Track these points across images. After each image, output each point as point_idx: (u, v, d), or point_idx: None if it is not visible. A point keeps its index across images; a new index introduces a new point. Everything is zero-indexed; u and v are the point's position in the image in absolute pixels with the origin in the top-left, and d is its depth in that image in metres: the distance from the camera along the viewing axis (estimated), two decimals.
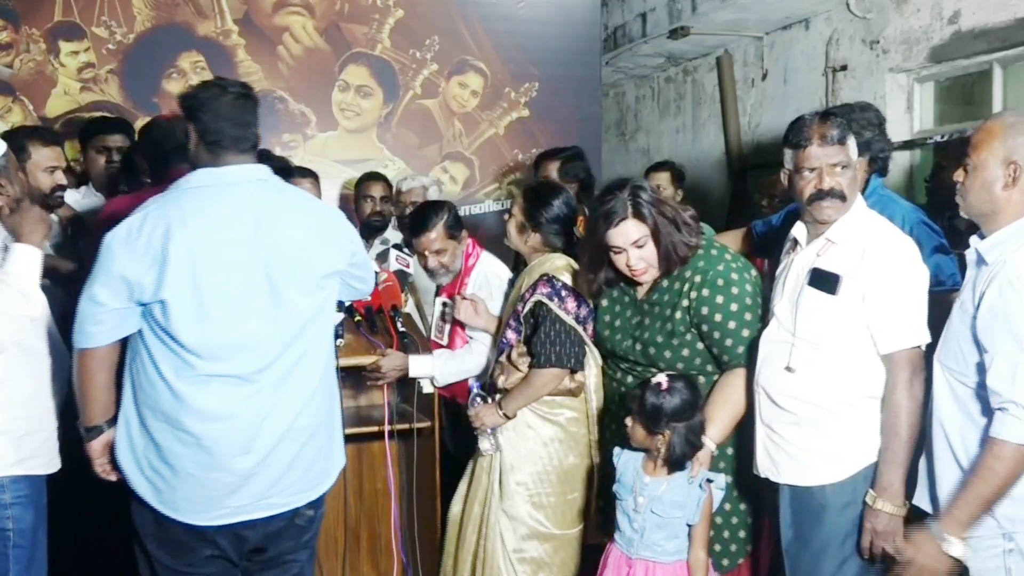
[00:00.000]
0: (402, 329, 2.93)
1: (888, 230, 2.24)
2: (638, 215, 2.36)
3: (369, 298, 2.87)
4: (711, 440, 2.34)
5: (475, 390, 2.86)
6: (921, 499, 2.13)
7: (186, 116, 2.20)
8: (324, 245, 2.24)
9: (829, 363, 2.18)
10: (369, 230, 4.03)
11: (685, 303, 2.38)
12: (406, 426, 2.96)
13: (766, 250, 2.79)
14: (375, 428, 2.97)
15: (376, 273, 3.01)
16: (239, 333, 2.11)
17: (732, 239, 2.91)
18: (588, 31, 5.11)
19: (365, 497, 3.21)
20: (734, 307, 2.35)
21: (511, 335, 2.79)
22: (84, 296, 2.11)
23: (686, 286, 2.39)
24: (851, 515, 2.17)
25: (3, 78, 4.26)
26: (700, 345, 2.40)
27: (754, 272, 2.46)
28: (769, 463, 2.28)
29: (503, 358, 2.80)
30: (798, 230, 2.30)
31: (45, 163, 2.80)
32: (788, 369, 2.21)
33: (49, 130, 3.50)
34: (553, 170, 3.79)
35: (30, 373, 2.34)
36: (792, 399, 2.22)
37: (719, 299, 2.35)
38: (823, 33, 5.00)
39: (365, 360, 2.91)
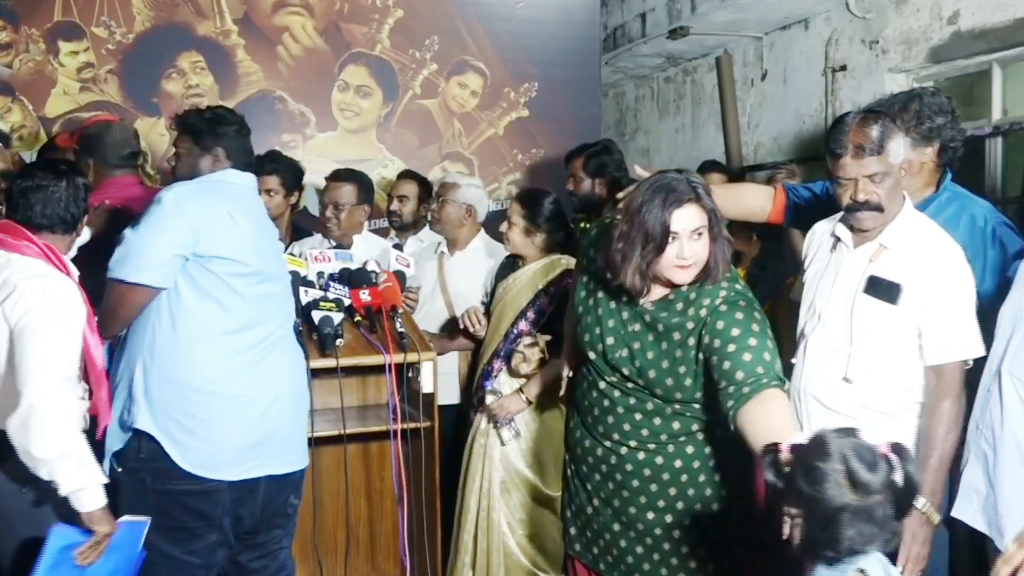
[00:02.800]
0: (400, 330, 2.93)
1: (941, 236, 2.17)
2: (700, 202, 2.06)
3: (369, 298, 2.90)
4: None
5: (488, 387, 3.05)
6: (971, 516, 2.06)
7: (203, 135, 2.48)
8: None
9: (889, 372, 2.14)
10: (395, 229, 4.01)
11: (701, 328, 2.07)
12: (411, 425, 2.95)
13: (803, 221, 2.62)
14: (383, 427, 2.96)
15: (376, 273, 3.03)
16: (271, 295, 2.46)
17: (755, 195, 2.72)
18: (588, 31, 5.11)
19: (366, 497, 3.21)
20: (755, 327, 2.03)
21: (524, 326, 3.01)
22: (139, 238, 2.27)
23: (703, 311, 2.08)
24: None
25: (3, 78, 4.26)
26: (703, 380, 2.10)
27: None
28: None
29: (522, 347, 2.98)
30: (841, 230, 2.24)
31: None
32: (846, 380, 2.16)
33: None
34: (579, 167, 3.65)
35: None
36: (850, 405, 2.16)
37: (739, 315, 2.04)
38: (822, 33, 5.01)
39: (365, 360, 2.91)
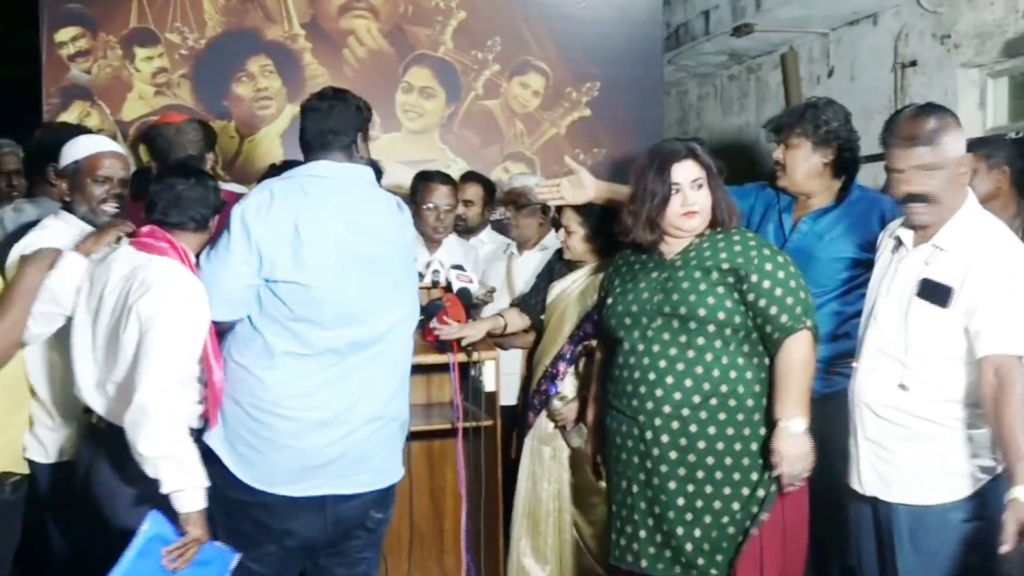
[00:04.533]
0: (467, 344, 2.98)
1: (1002, 236, 2.14)
2: (696, 157, 2.37)
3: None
4: (795, 420, 2.26)
5: (553, 391, 3.02)
6: None
7: (302, 120, 2.39)
8: (406, 248, 2.47)
9: (945, 380, 2.11)
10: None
11: (726, 265, 2.31)
12: (474, 424, 2.99)
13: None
14: (447, 425, 3.00)
15: (440, 300, 3.04)
16: (353, 312, 2.28)
17: None
18: (650, 30, 5.09)
19: (430, 494, 3.25)
20: (781, 274, 2.29)
21: (591, 328, 2.96)
22: (208, 269, 2.25)
23: (736, 247, 2.33)
24: (973, 530, 2.09)
25: (82, 83, 4.42)
26: (743, 307, 2.31)
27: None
28: (878, 481, 2.20)
29: (585, 348, 2.95)
30: (902, 230, 2.23)
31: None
32: (902, 387, 2.14)
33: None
34: None
35: None
36: (905, 415, 2.14)
37: (780, 259, 2.32)
38: (892, 28, 4.90)
39: (429, 359, 2.96)
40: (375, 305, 2.33)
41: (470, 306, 3.10)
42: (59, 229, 2.52)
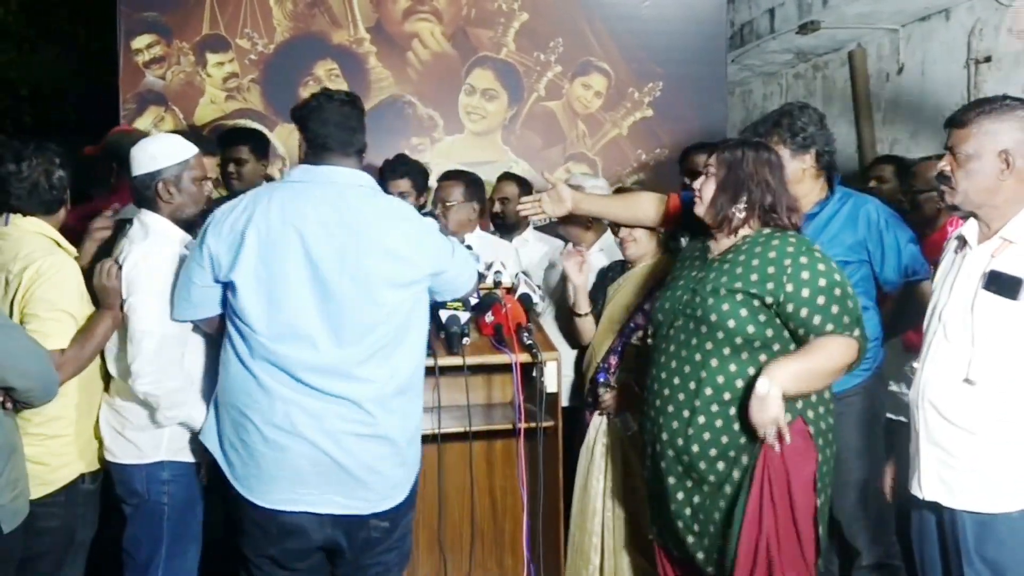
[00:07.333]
0: (528, 342, 2.98)
1: None
2: (720, 152, 2.42)
3: (493, 318, 2.94)
4: (773, 380, 2.15)
5: (601, 380, 3.07)
6: None
7: (297, 126, 2.40)
8: (401, 257, 2.26)
9: (1013, 375, 2.04)
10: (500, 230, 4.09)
11: (755, 276, 2.25)
12: (535, 424, 3.00)
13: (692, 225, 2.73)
14: (508, 426, 3.02)
15: (497, 293, 3.04)
16: (297, 324, 2.21)
17: (649, 202, 2.93)
18: (714, 29, 5.05)
19: (490, 494, 3.28)
20: (822, 282, 2.21)
21: (641, 319, 3.00)
22: (182, 268, 2.36)
23: (772, 253, 2.26)
24: None
25: (156, 89, 4.56)
26: (763, 317, 2.25)
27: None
28: (940, 486, 2.13)
29: (635, 341, 3.00)
30: (967, 228, 2.18)
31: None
32: (967, 381, 2.06)
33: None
34: (701, 163, 3.75)
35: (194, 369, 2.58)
36: (972, 415, 2.08)
37: (804, 275, 2.22)
38: (965, 23, 4.77)
39: (491, 359, 2.97)
40: (331, 329, 2.22)
41: (529, 310, 3.11)
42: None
